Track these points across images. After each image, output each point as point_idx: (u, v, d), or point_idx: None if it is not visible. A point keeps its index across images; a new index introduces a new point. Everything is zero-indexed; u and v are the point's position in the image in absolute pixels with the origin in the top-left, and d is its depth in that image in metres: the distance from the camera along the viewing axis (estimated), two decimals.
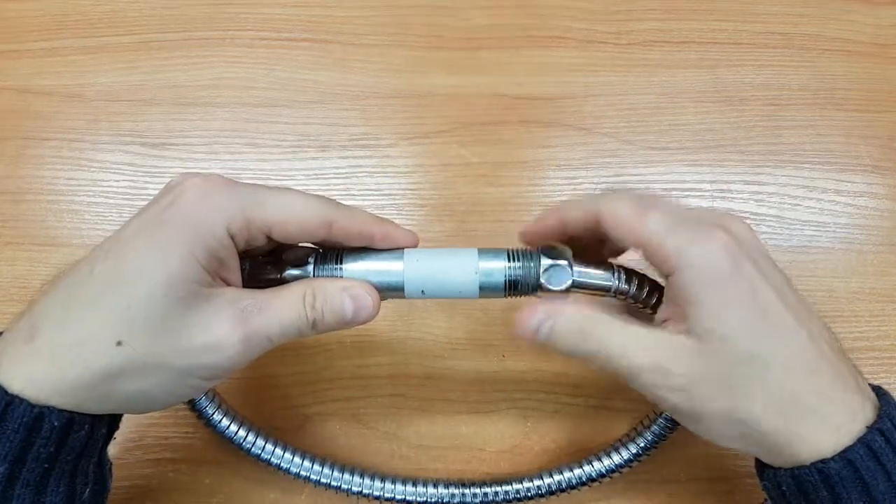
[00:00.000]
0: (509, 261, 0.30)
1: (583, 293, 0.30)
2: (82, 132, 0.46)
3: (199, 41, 0.48)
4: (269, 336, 0.27)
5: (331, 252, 0.30)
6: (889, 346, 0.41)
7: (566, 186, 0.45)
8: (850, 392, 0.27)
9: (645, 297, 0.30)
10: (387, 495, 0.37)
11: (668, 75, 0.47)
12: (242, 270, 0.29)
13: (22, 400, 0.25)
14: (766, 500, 0.31)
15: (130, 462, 0.39)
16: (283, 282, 0.30)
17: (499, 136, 0.46)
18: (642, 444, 0.36)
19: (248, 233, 0.28)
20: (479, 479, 0.38)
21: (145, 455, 0.39)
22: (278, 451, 0.36)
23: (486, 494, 0.37)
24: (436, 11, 0.49)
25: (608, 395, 0.40)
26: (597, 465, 0.36)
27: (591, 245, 0.32)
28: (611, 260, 0.32)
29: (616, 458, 0.36)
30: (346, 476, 0.37)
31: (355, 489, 0.37)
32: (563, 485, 0.37)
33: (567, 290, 0.30)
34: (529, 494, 0.37)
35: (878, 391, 0.29)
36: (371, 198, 0.44)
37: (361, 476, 0.37)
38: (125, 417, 0.31)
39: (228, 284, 0.28)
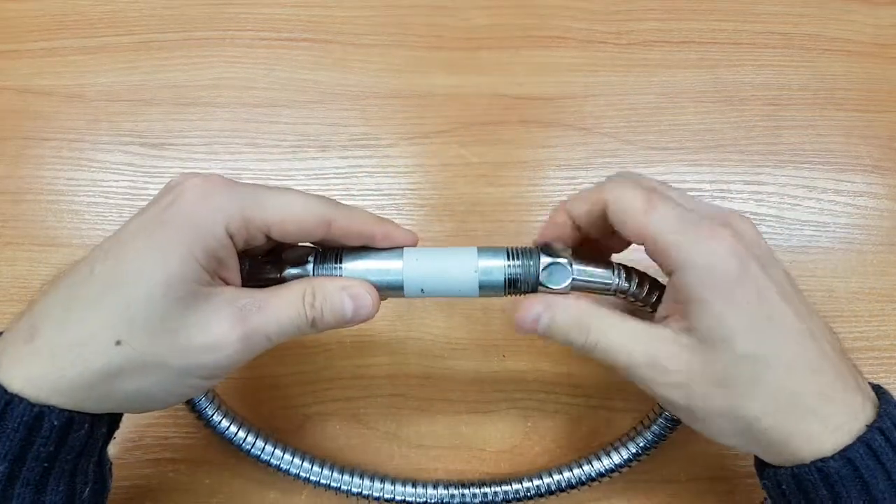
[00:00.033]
0: (509, 259, 0.30)
1: (583, 292, 0.30)
2: (82, 132, 0.46)
3: (199, 41, 0.48)
4: (267, 335, 0.27)
5: (330, 251, 0.30)
6: (889, 346, 0.41)
7: (566, 186, 0.45)
8: (850, 391, 0.27)
9: (645, 296, 0.30)
10: (386, 496, 0.37)
11: (668, 75, 0.47)
12: (242, 270, 0.29)
13: (22, 399, 0.25)
14: (765, 499, 0.31)
15: (130, 462, 0.39)
16: (282, 281, 0.30)
17: (499, 136, 0.46)
18: (642, 444, 0.36)
19: (247, 232, 0.28)
20: (479, 479, 0.38)
21: (145, 455, 0.39)
22: (278, 452, 0.36)
23: (485, 495, 0.37)
24: (436, 11, 0.49)
25: (608, 395, 0.40)
26: (596, 464, 0.36)
27: (604, 236, 0.31)
28: (611, 258, 0.32)
29: (616, 458, 0.36)
30: (346, 477, 0.37)
31: (355, 490, 0.37)
32: (563, 484, 0.37)
33: (567, 289, 0.30)
34: (529, 494, 0.37)
35: (878, 390, 0.29)
36: (371, 198, 0.44)
37: (361, 477, 0.37)
38: (125, 417, 0.31)
39: (228, 284, 0.28)
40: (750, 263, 0.27)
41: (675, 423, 0.35)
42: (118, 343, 0.25)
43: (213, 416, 0.36)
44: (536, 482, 0.37)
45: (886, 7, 0.49)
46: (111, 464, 0.31)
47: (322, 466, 0.37)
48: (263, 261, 0.31)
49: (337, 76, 0.47)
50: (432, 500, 0.37)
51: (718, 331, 0.27)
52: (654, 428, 0.36)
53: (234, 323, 0.27)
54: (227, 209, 0.27)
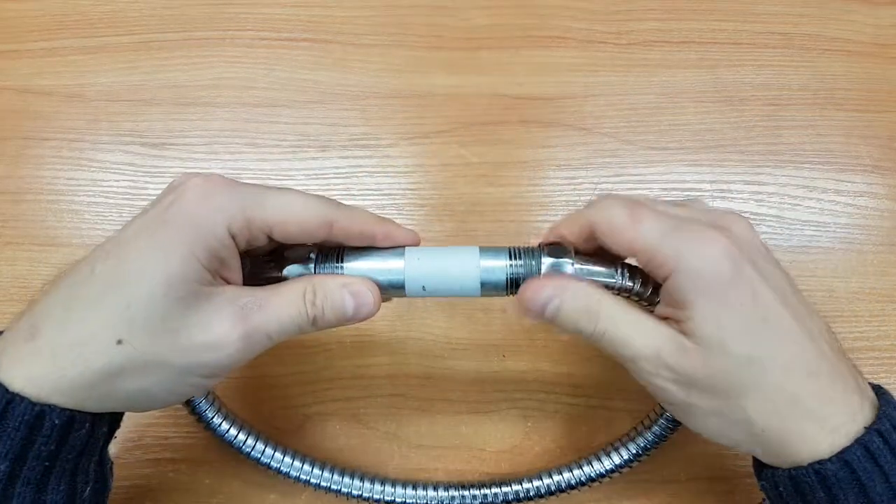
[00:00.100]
0: (511, 258, 0.30)
1: None
2: (82, 132, 0.46)
3: (199, 41, 0.48)
4: (268, 333, 0.28)
5: (332, 250, 0.30)
6: (889, 346, 0.41)
7: (566, 186, 0.45)
8: (849, 393, 0.27)
9: (649, 295, 0.30)
10: (386, 498, 0.37)
11: (668, 75, 0.47)
12: (243, 269, 0.29)
13: (23, 398, 0.25)
14: (763, 499, 0.31)
15: (130, 462, 0.39)
16: (283, 280, 0.30)
17: (499, 136, 0.46)
18: (642, 444, 0.36)
19: (248, 233, 0.28)
20: (479, 479, 0.38)
21: (145, 455, 0.39)
22: (277, 454, 0.36)
23: (485, 496, 0.37)
24: (436, 11, 0.49)
25: (608, 395, 0.40)
26: (597, 465, 0.36)
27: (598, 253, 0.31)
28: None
29: (616, 459, 0.36)
30: (346, 479, 0.37)
31: (355, 492, 0.37)
32: (563, 485, 0.36)
33: None
34: (529, 495, 0.37)
35: (878, 391, 0.29)
36: (371, 198, 0.44)
37: (361, 479, 0.37)
38: (125, 417, 0.31)
39: (229, 283, 0.28)
40: (744, 265, 0.27)
41: (675, 423, 0.35)
42: (119, 342, 0.25)
43: (213, 419, 0.36)
44: (536, 483, 0.37)
45: (886, 7, 0.49)
46: (112, 463, 0.31)
47: (322, 469, 0.37)
48: (265, 260, 0.30)
49: (337, 76, 0.47)
50: (432, 502, 0.37)
51: (714, 333, 0.27)
52: (655, 429, 0.36)
53: (236, 322, 0.27)
54: (228, 209, 0.27)
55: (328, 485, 0.36)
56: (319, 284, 0.29)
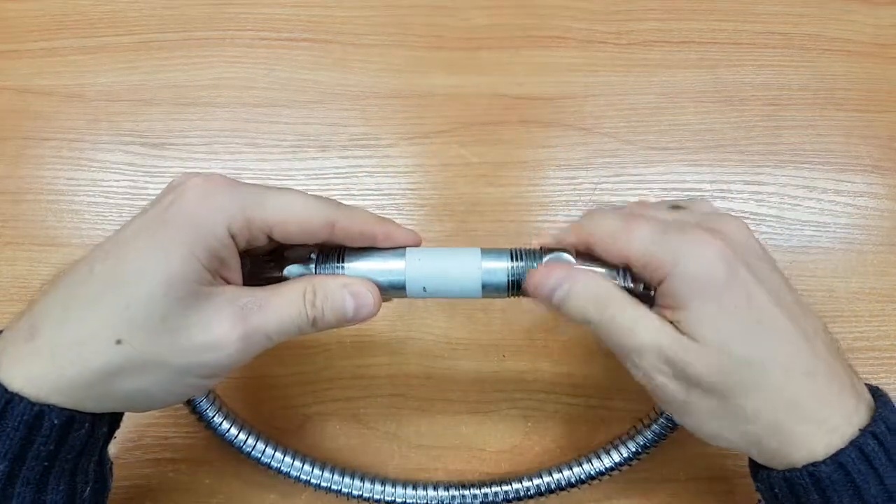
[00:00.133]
0: (512, 260, 0.30)
1: None
2: (82, 132, 0.46)
3: (199, 41, 0.48)
4: (268, 334, 0.27)
5: (333, 250, 0.30)
6: (889, 346, 0.41)
7: (566, 186, 0.45)
8: (845, 394, 0.27)
9: (652, 297, 0.30)
10: (387, 498, 0.37)
11: (668, 75, 0.47)
12: (243, 269, 0.29)
13: (22, 398, 0.25)
14: (759, 500, 0.31)
15: (130, 462, 0.39)
16: (284, 280, 0.30)
17: (499, 136, 0.46)
18: (642, 443, 0.36)
19: (248, 233, 0.28)
20: (479, 479, 0.38)
21: (145, 455, 0.39)
22: (278, 454, 0.36)
23: (485, 495, 0.37)
24: (436, 11, 0.49)
25: (608, 395, 0.40)
26: (596, 463, 0.36)
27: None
28: None
29: (616, 456, 0.36)
30: (346, 479, 0.37)
31: (355, 492, 0.37)
32: (563, 483, 0.36)
33: None
34: (529, 493, 0.37)
35: (875, 392, 0.29)
36: (371, 198, 0.44)
37: (361, 479, 0.37)
38: (125, 417, 0.31)
39: (229, 283, 0.28)
40: (738, 268, 0.27)
41: (675, 422, 0.35)
42: (118, 342, 0.25)
43: (214, 418, 0.36)
44: (536, 481, 0.37)
45: (886, 7, 0.49)
46: (112, 463, 0.31)
47: (322, 469, 0.37)
48: (265, 260, 0.30)
49: (337, 76, 0.47)
50: (432, 502, 0.37)
51: (710, 336, 0.27)
52: (655, 427, 0.36)
53: (235, 322, 0.27)
54: (228, 209, 0.27)
55: (328, 485, 0.36)
56: (320, 285, 0.29)
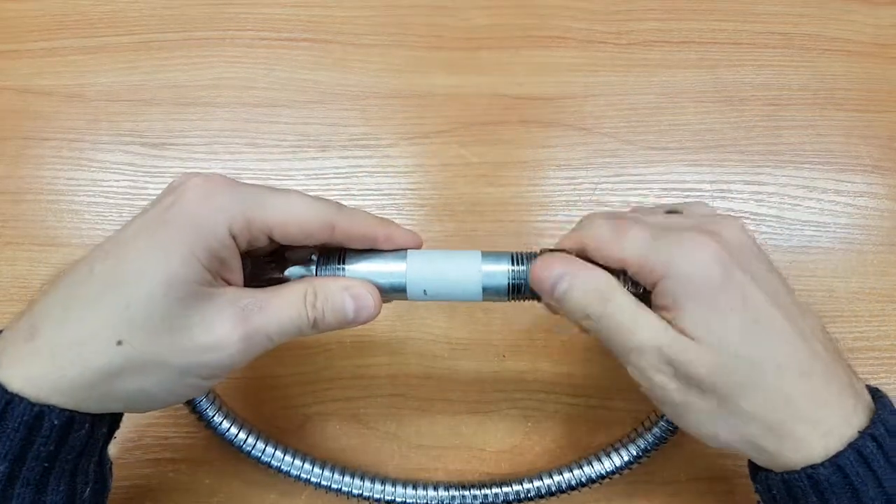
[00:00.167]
0: (513, 264, 0.30)
1: None
2: (82, 132, 0.46)
3: (199, 41, 0.48)
4: (269, 335, 0.27)
5: (334, 252, 0.30)
6: (889, 346, 0.41)
7: (566, 186, 0.45)
8: (844, 395, 0.27)
9: (651, 299, 0.30)
10: (387, 498, 0.37)
11: (668, 75, 0.47)
12: (244, 269, 0.29)
13: (22, 399, 0.25)
14: (758, 502, 0.31)
15: (130, 462, 0.39)
16: (285, 281, 0.30)
17: (499, 136, 0.46)
18: (643, 446, 0.36)
19: (249, 233, 0.28)
20: (480, 479, 0.38)
21: (145, 455, 0.39)
22: (278, 453, 0.36)
23: (485, 496, 0.37)
24: (436, 11, 0.49)
25: (608, 395, 0.40)
26: (597, 466, 0.36)
27: None
28: None
29: (616, 460, 0.36)
30: (346, 478, 0.37)
31: (355, 492, 0.37)
32: (564, 486, 0.36)
33: None
34: (529, 495, 0.37)
35: (875, 394, 0.29)
36: (371, 198, 0.44)
37: (361, 479, 0.37)
38: (125, 417, 0.31)
39: (230, 284, 0.28)
40: (734, 270, 0.27)
41: (676, 425, 0.35)
42: (119, 343, 0.25)
43: (214, 417, 0.36)
44: (537, 483, 0.37)
45: (886, 7, 0.49)
46: (111, 463, 0.31)
47: (322, 468, 0.37)
48: (266, 261, 0.30)
49: (337, 76, 0.47)
50: (433, 502, 0.37)
51: (707, 336, 0.27)
52: (656, 430, 0.36)
53: (236, 323, 0.27)
54: (229, 210, 0.27)
55: (328, 483, 0.36)
56: (320, 287, 0.29)
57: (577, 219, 0.31)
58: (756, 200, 0.44)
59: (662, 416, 0.36)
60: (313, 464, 0.37)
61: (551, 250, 0.30)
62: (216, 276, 0.27)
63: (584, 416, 0.40)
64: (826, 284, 0.43)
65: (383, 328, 0.41)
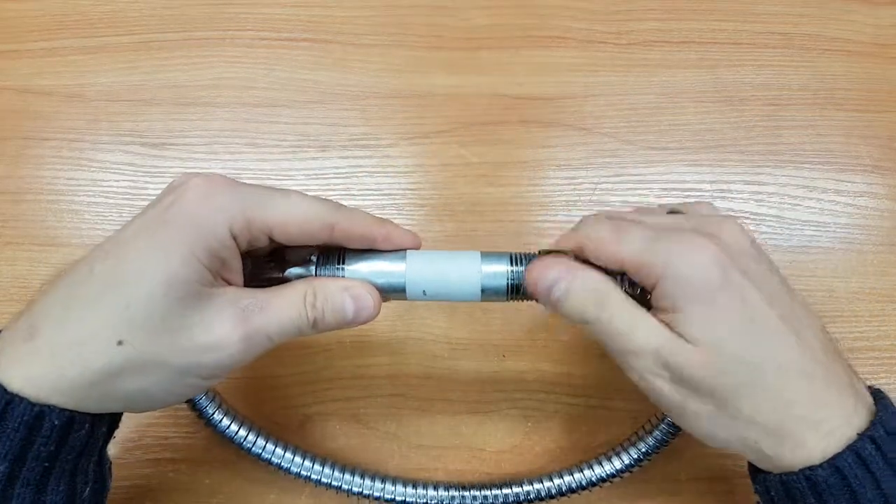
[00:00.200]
0: (512, 264, 0.30)
1: None
2: (82, 132, 0.46)
3: (199, 41, 0.48)
4: (269, 335, 0.28)
5: (333, 252, 0.30)
6: (889, 346, 0.41)
7: (566, 186, 0.45)
8: (844, 396, 0.27)
9: (649, 300, 0.30)
10: (387, 496, 0.37)
11: (668, 75, 0.47)
12: (244, 269, 0.29)
13: (22, 399, 0.25)
14: (758, 502, 0.31)
15: (130, 462, 0.39)
16: (285, 281, 0.30)
17: (499, 136, 0.46)
18: (644, 449, 0.36)
19: (249, 233, 0.28)
20: (480, 479, 0.38)
21: (145, 455, 0.39)
22: (279, 450, 0.36)
23: (485, 497, 0.37)
24: (436, 11, 0.49)
25: (608, 395, 0.40)
26: (598, 469, 0.36)
27: None
28: None
29: (617, 463, 0.36)
30: (347, 476, 0.37)
31: (356, 489, 0.36)
32: (564, 488, 0.36)
33: None
34: (529, 497, 0.37)
35: (877, 395, 0.29)
36: (371, 198, 0.44)
37: (362, 476, 0.37)
38: (125, 417, 0.31)
39: (230, 284, 0.28)
40: (732, 272, 0.27)
41: (677, 427, 0.35)
42: (119, 343, 0.25)
43: (214, 415, 0.36)
44: (537, 486, 0.37)
45: (886, 7, 0.49)
46: (111, 463, 0.31)
47: (323, 465, 0.37)
48: (266, 261, 0.30)
49: (337, 76, 0.47)
50: (432, 502, 0.37)
51: (704, 338, 0.27)
52: (657, 433, 0.36)
53: (236, 323, 0.27)
54: (229, 210, 0.27)
55: (329, 481, 0.36)
56: (320, 287, 0.29)
57: (577, 219, 0.31)
58: (756, 200, 0.44)
59: (664, 419, 0.35)
60: (314, 461, 0.37)
61: (550, 251, 0.30)
62: (216, 276, 0.27)
63: (584, 416, 0.40)
64: (826, 284, 0.43)
65: (383, 328, 0.41)
